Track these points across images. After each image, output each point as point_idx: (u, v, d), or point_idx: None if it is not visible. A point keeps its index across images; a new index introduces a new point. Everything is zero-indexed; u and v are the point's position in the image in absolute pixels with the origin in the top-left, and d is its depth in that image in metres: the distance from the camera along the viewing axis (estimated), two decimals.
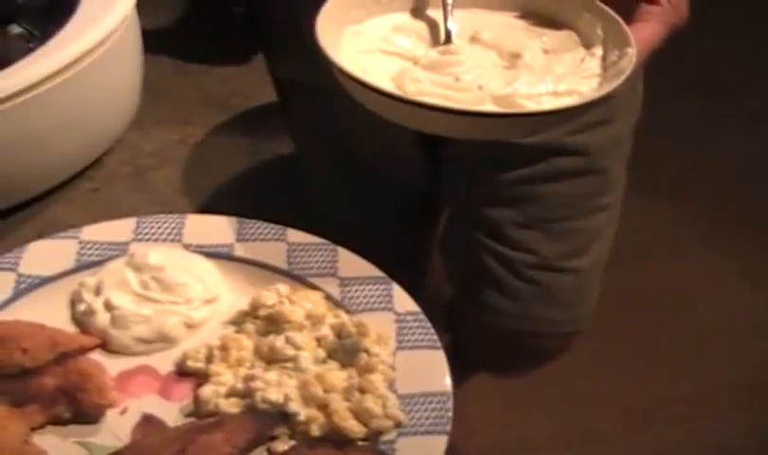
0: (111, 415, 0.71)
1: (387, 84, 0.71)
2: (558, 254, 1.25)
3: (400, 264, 0.84)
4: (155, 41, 1.08)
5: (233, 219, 0.85)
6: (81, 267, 0.82)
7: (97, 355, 0.76)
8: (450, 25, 0.79)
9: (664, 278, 2.52)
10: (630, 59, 0.72)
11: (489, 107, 0.71)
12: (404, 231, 1.37)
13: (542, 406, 2.17)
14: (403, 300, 0.77)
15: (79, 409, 0.71)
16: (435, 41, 0.80)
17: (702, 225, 2.68)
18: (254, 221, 0.85)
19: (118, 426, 0.71)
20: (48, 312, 0.78)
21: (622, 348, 2.32)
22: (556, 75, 0.75)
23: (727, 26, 3.31)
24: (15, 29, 1.03)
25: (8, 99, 0.85)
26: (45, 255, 0.83)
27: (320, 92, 1.06)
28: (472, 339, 1.33)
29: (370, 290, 0.78)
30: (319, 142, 1.22)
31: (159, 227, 0.85)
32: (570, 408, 2.19)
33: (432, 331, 0.74)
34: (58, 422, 0.71)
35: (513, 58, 0.77)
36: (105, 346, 0.76)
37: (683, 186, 2.77)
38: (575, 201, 1.23)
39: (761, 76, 3.27)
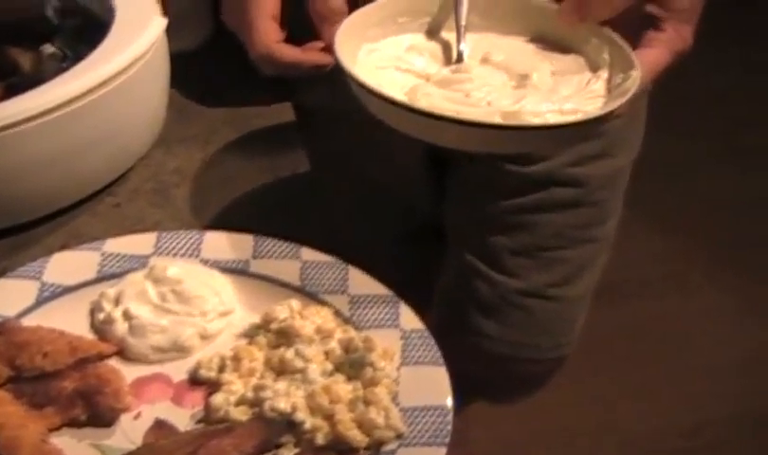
0: (125, 419, 0.74)
1: (400, 98, 0.75)
2: (548, 282, 1.27)
3: (406, 284, 0.87)
4: (182, 62, 1.10)
5: (250, 236, 0.88)
6: (102, 278, 0.85)
7: (114, 362, 0.78)
8: (463, 46, 0.82)
9: (666, 311, 2.53)
10: (634, 80, 0.75)
11: (497, 121, 0.74)
12: (411, 253, 1.39)
13: (545, 435, 2.18)
14: (409, 318, 0.79)
15: (95, 412, 0.73)
16: (448, 61, 0.83)
17: (703, 259, 2.71)
18: (270, 239, 0.88)
19: (131, 429, 0.73)
20: (69, 319, 0.81)
21: (624, 380, 2.33)
22: (562, 95, 0.77)
23: (728, 60, 3.34)
24: (49, 49, 1.07)
25: (39, 116, 0.88)
26: (68, 265, 0.85)
27: (337, 117, 1.11)
28: (458, 362, 1.35)
29: (378, 307, 0.80)
30: (333, 165, 1.24)
31: (179, 243, 0.88)
32: (572, 438, 2.21)
33: (436, 348, 0.76)
34: (74, 424, 0.73)
35: (522, 79, 0.80)
36: (122, 353, 0.79)
37: (684, 220, 2.79)
38: (568, 231, 1.25)
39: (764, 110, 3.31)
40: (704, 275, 2.65)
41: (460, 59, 0.82)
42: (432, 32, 0.86)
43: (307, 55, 0.86)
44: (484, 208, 1.24)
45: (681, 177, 2.90)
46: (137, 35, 0.97)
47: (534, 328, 1.31)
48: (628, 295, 2.46)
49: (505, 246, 1.24)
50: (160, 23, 1.00)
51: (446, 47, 0.85)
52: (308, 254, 0.86)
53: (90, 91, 0.91)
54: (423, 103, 0.74)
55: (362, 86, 0.73)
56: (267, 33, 0.86)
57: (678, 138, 2.91)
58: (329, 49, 0.83)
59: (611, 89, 0.78)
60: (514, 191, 1.21)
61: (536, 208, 1.22)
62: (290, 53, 0.86)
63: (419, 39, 0.85)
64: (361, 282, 0.83)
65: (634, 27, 0.82)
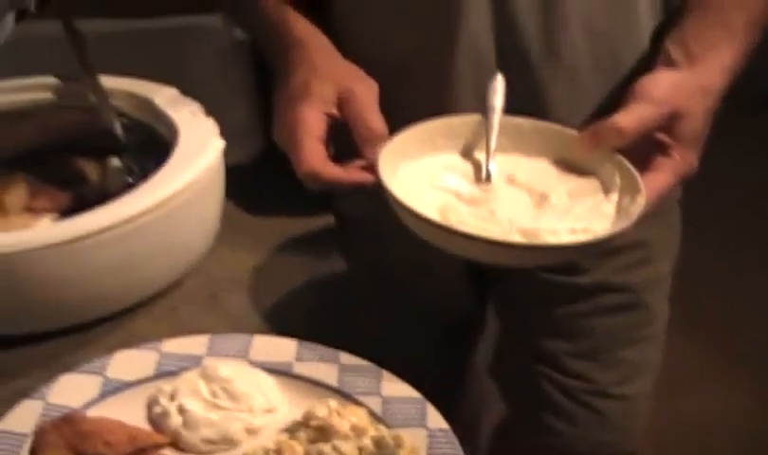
0: None
1: (433, 214, 0.83)
2: (611, 381, 1.31)
3: (440, 383, 0.93)
4: (234, 175, 1.17)
5: (293, 341, 0.95)
6: (159, 375, 0.92)
7: (168, 452, 0.85)
8: (491, 167, 0.91)
9: (685, 413, 2.55)
10: (639, 205, 0.83)
11: (516, 238, 0.82)
12: (446, 353, 1.43)
13: None
14: (435, 419, 0.85)
15: None
16: (478, 179, 0.92)
17: (724, 362, 2.73)
18: (311, 343, 0.94)
19: None
20: (129, 412, 0.88)
21: None
22: (576, 215, 0.86)
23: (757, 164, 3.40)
24: (115, 163, 1.16)
25: (105, 230, 0.97)
26: (128, 363, 0.93)
27: (376, 226, 1.16)
28: None
29: (407, 408, 0.86)
30: (371, 272, 1.30)
31: (229, 345, 0.95)
32: None
33: (459, 447, 0.82)
34: None
35: (541, 198, 0.89)
36: (176, 444, 0.85)
37: (705, 324, 2.82)
38: (622, 333, 1.29)
39: None
40: (724, 379, 2.68)
41: (488, 178, 0.91)
42: (466, 152, 0.95)
43: (349, 174, 0.91)
44: (536, 316, 1.30)
45: (695, 280, 2.93)
46: (198, 156, 1.05)
47: (602, 425, 1.34)
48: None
49: (564, 350, 1.29)
50: (218, 144, 1.08)
51: (476, 167, 0.93)
52: (346, 358, 0.92)
53: (152, 209, 0.99)
54: (453, 220, 0.83)
55: (399, 203, 0.81)
56: (313, 153, 0.92)
57: (701, 242, 2.96)
58: (369, 168, 0.90)
59: (620, 211, 0.87)
60: (564, 300, 1.26)
61: (587, 313, 1.27)
62: (333, 172, 0.91)
63: (454, 158, 0.94)
64: (393, 385, 0.89)
65: (644, 152, 0.90)
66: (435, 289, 1.33)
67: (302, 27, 1.06)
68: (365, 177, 0.91)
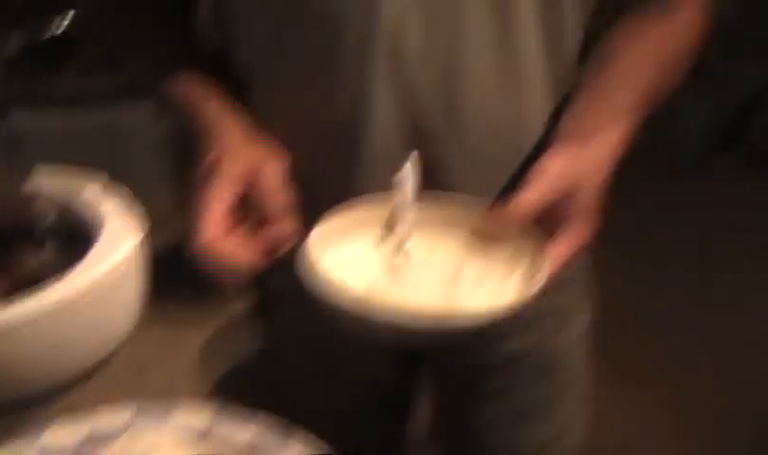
0: None
1: (359, 296, 0.89)
2: (550, 437, 1.38)
3: (380, 451, 0.98)
4: (162, 259, 1.24)
5: (211, 407, 1.01)
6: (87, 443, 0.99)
7: None
8: (409, 246, 0.99)
9: None
10: (543, 274, 0.92)
11: (436, 315, 0.88)
12: (384, 419, 1.47)
13: None
14: None
15: None
16: (397, 257, 0.99)
17: (672, 414, 2.77)
18: (227, 408, 1.01)
19: None
20: None
21: None
22: (488, 285, 0.94)
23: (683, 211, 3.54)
24: (48, 252, 1.22)
25: (37, 316, 1.03)
26: (59, 435, 1.00)
27: (307, 304, 1.23)
28: None
29: None
30: (301, 347, 1.35)
31: (152, 413, 1.01)
32: None
33: None
34: None
35: (456, 271, 0.97)
36: None
37: (651, 376, 2.89)
38: (550, 394, 1.36)
39: (722, 260, 3.48)
40: (672, 429, 2.73)
41: (406, 259, 0.99)
42: (385, 235, 1.02)
43: (246, 250, 0.97)
44: (469, 385, 1.36)
45: (647, 333, 3.03)
46: (119, 244, 1.12)
47: None
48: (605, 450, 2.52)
49: (500, 413, 1.36)
50: (140, 233, 1.15)
51: (395, 246, 1.01)
52: (261, 420, 0.99)
53: (79, 295, 1.05)
54: (377, 300, 0.89)
55: (317, 298, 0.89)
56: (208, 229, 0.97)
57: (644, 295, 3.10)
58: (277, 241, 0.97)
59: (528, 279, 0.95)
60: (493, 370, 1.33)
61: (516, 380, 1.33)
62: (228, 248, 0.96)
63: (373, 243, 1.01)
64: (303, 443, 0.96)
65: (547, 224, 0.99)
66: (368, 362, 1.37)
67: (218, 111, 1.12)
68: (265, 256, 0.97)
